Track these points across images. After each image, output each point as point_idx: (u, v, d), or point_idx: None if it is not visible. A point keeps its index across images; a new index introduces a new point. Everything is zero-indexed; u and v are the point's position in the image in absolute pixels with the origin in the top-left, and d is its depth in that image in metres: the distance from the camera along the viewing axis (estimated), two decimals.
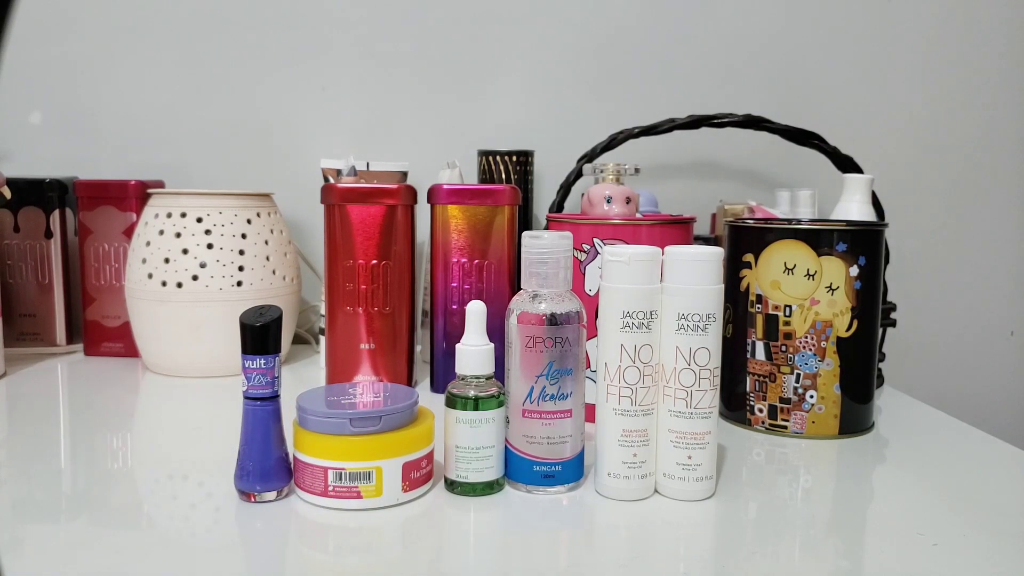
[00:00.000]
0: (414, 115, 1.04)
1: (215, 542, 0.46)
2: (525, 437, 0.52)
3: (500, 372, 0.54)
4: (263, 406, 0.50)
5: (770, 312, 0.66)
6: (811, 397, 0.66)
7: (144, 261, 0.81)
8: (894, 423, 0.71)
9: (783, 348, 0.66)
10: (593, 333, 0.64)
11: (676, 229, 0.66)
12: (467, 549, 0.47)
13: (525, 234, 0.53)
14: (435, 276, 0.77)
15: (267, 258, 0.83)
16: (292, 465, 0.51)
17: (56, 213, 0.93)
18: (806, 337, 0.65)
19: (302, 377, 0.84)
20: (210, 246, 0.81)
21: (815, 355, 0.65)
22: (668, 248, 0.52)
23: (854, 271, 0.65)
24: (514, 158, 0.90)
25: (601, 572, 0.43)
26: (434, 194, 0.76)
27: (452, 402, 0.52)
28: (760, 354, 0.67)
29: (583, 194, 0.75)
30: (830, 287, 0.65)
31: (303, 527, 0.48)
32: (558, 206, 0.87)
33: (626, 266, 0.51)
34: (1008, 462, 0.62)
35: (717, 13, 1.03)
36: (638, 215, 0.75)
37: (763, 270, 0.66)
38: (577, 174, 0.86)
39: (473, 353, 0.53)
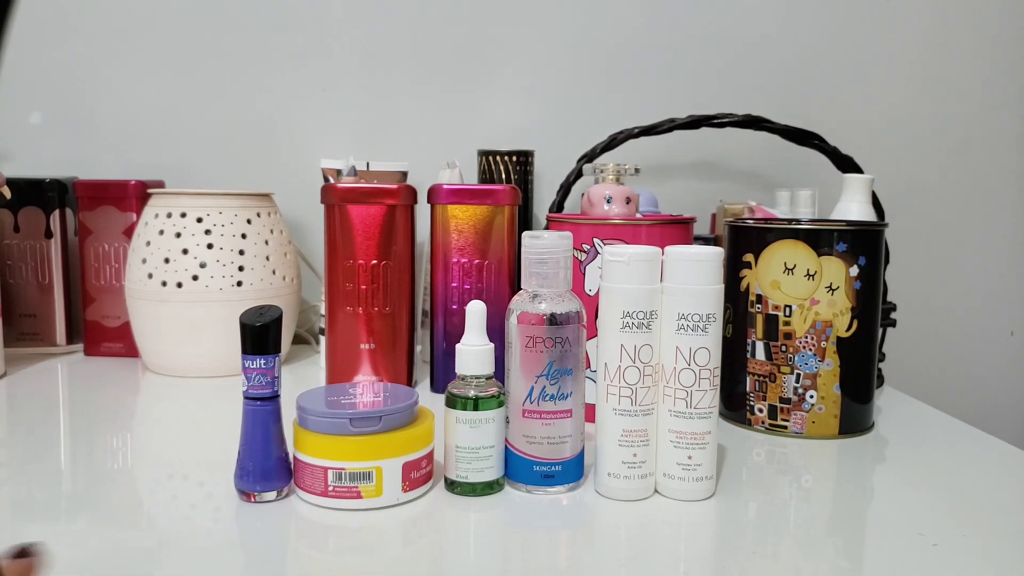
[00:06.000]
0: (414, 115, 1.04)
1: (215, 542, 0.46)
2: (525, 437, 0.52)
3: (500, 372, 0.54)
4: (263, 406, 0.50)
5: (770, 312, 0.66)
6: (811, 397, 0.66)
7: (144, 261, 0.81)
8: (894, 423, 0.71)
9: (783, 348, 0.66)
10: (593, 333, 0.64)
11: (676, 229, 0.66)
12: (467, 549, 0.47)
13: (525, 234, 0.53)
14: (435, 276, 0.77)
15: (267, 258, 0.83)
16: (292, 465, 0.51)
17: (56, 213, 0.93)
18: (806, 337, 0.65)
19: (302, 377, 0.84)
20: (210, 246, 0.81)
21: (815, 355, 0.65)
22: (668, 248, 0.52)
23: (854, 271, 0.65)
24: (514, 158, 0.90)
25: (601, 572, 0.43)
26: (434, 194, 0.76)
27: (452, 402, 0.52)
28: (760, 354, 0.67)
29: (583, 194, 0.75)
30: (830, 287, 0.65)
31: (303, 527, 0.48)
32: (558, 206, 0.87)
33: (626, 266, 0.51)
34: (1008, 462, 0.62)
35: (717, 13, 1.03)
36: (638, 215, 0.75)
37: (763, 270, 0.66)
38: (577, 174, 0.86)
39: (473, 353, 0.53)
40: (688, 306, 0.51)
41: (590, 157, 0.86)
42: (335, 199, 0.75)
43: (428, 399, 0.76)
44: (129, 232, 0.90)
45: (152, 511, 0.50)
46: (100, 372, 0.85)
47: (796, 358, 0.66)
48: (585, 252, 0.66)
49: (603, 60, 1.04)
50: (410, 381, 0.79)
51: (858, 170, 0.84)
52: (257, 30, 1.02)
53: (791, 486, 0.56)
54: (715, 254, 0.51)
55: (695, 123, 0.85)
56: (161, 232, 0.81)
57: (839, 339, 0.65)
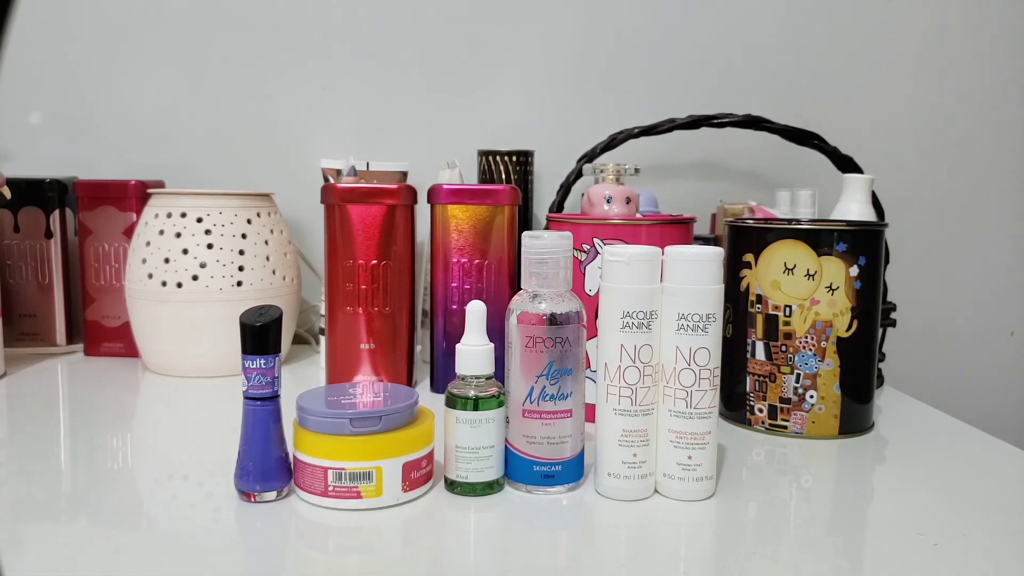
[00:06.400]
0: (414, 115, 1.04)
1: (215, 542, 0.46)
2: (525, 437, 0.52)
3: (500, 372, 0.54)
4: (263, 406, 0.50)
5: (770, 312, 0.66)
6: (811, 397, 0.66)
7: (144, 261, 0.81)
8: (894, 423, 0.71)
9: (783, 348, 0.66)
10: (593, 333, 0.64)
11: (676, 229, 0.66)
12: (467, 549, 0.47)
13: (525, 234, 0.53)
14: (435, 276, 0.77)
15: (267, 258, 0.83)
16: (292, 465, 0.51)
17: (56, 213, 0.93)
18: (806, 337, 0.65)
19: (302, 377, 0.84)
20: (210, 246, 0.81)
21: (815, 355, 0.65)
22: (668, 248, 0.52)
23: (854, 271, 0.65)
24: (514, 158, 0.90)
25: (601, 572, 0.43)
26: (434, 194, 0.76)
27: (452, 402, 0.52)
28: (760, 354, 0.67)
29: (583, 194, 0.75)
30: (830, 287, 0.65)
31: (303, 527, 0.48)
32: (558, 206, 0.87)
33: (626, 266, 0.51)
34: (1008, 462, 0.62)
35: (717, 13, 1.03)
36: (638, 215, 0.75)
37: (763, 270, 0.66)
38: (577, 174, 0.86)
39: (473, 353, 0.53)
40: (688, 306, 0.51)
41: (590, 157, 0.86)
42: (335, 199, 0.75)
43: (428, 399, 0.75)
44: (129, 232, 0.90)
45: (152, 511, 0.50)
46: (100, 372, 0.85)
47: (796, 358, 0.66)
48: (585, 252, 0.66)
49: (603, 60, 1.04)
50: (410, 381, 0.79)
51: (858, 170, 0.84)
52: (257, 30, 1.02)
53: (791, 486, 0.56)
54: (715, 254, 0.51)
55: (695, 123, 0.85)
56: (161, 232, 0.81)
57: (839, 339, 0.65)
